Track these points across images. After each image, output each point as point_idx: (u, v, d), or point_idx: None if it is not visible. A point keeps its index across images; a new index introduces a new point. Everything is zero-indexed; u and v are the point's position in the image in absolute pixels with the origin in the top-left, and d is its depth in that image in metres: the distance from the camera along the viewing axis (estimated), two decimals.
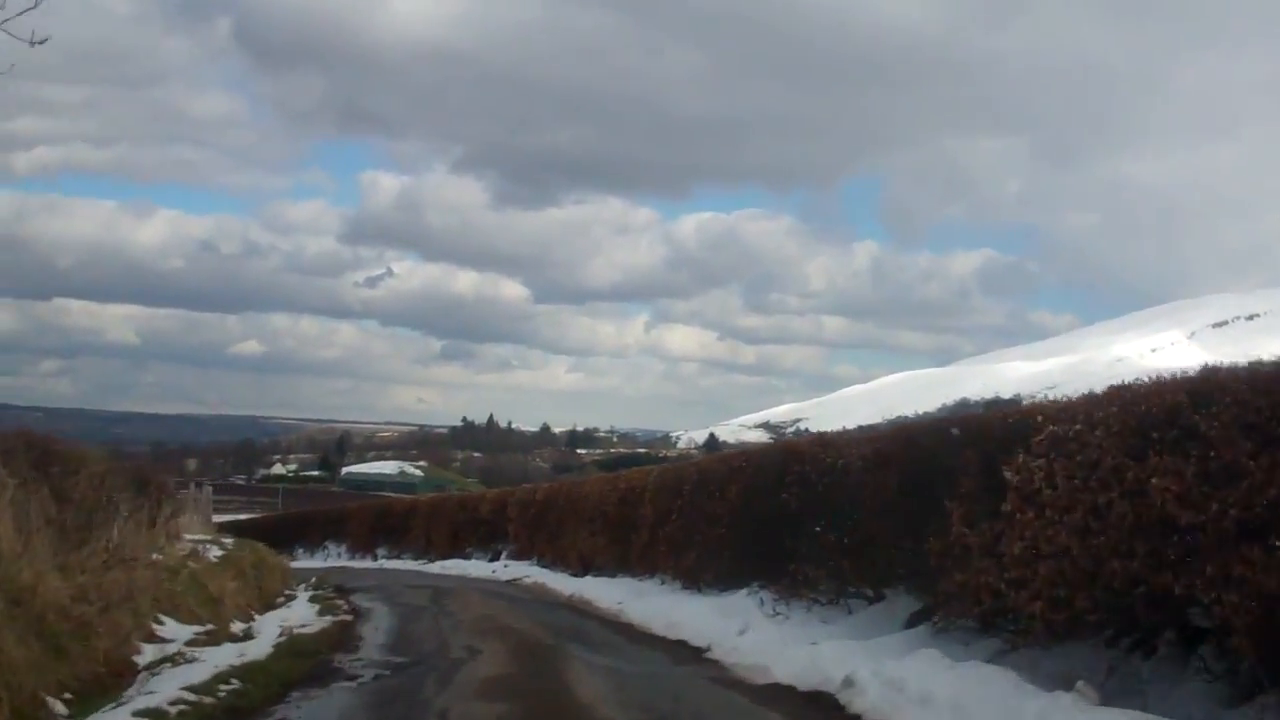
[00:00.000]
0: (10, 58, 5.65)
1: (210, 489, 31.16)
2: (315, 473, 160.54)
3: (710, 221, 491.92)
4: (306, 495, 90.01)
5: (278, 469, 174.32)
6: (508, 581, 20.80)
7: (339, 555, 34.55)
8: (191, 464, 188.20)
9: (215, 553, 15.41)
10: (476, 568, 24.37)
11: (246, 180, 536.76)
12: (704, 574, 13.59)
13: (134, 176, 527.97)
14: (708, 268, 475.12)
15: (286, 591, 16.69)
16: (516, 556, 24.19)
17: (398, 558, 30.82)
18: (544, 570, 21.03)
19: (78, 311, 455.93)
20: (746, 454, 14.26)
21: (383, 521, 32.59)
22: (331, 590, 17.37)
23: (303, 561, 35.72)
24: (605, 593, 15.91)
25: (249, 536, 45.97)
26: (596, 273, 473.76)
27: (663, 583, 15.15)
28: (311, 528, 37.75)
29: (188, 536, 15.88)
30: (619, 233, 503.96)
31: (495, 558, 25.70)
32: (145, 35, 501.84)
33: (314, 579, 19.28)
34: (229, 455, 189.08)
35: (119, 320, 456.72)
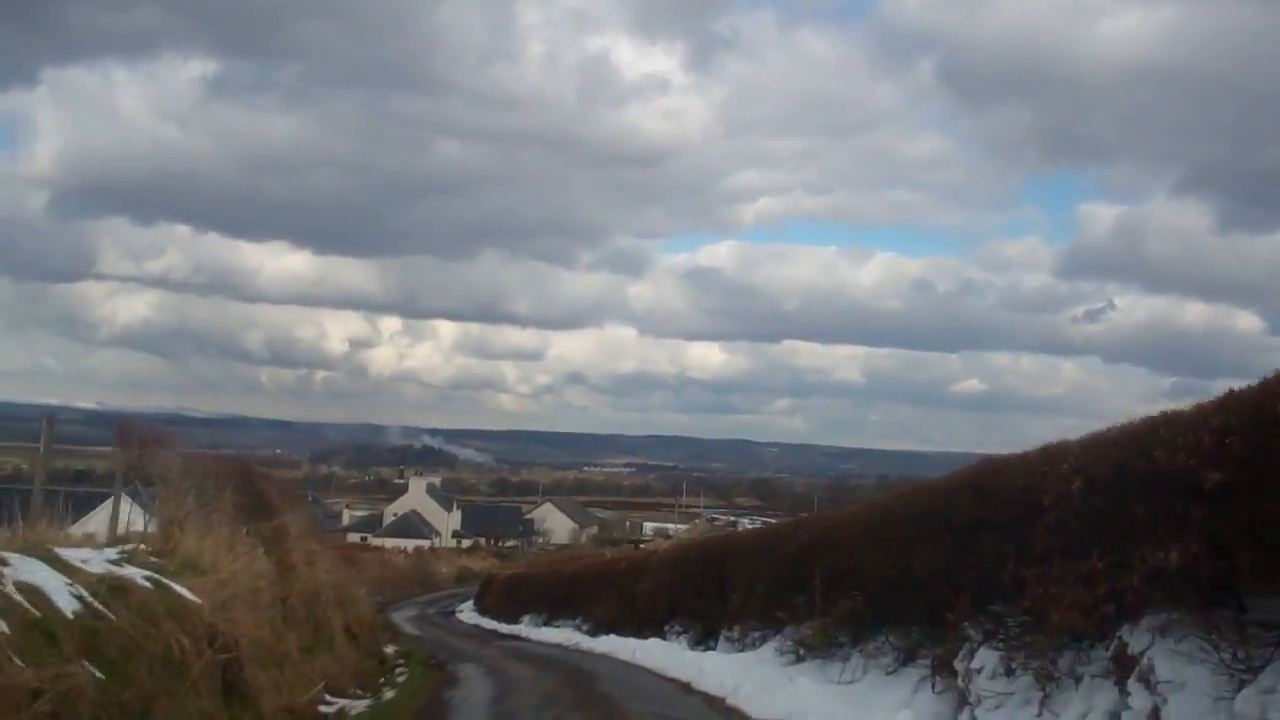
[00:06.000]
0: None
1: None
2: None
3: None
4: None
5: None
6: None
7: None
8: None
9: None
10: None
11: (958, 219, 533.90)
12: None
13: (851, 221, 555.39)
14: None
15: None
16: None
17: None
18: None
19: (805, 352, 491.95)
20: None
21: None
22: None
23: None
24: None
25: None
26: None
27: None
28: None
29: None
30: None
31: None
32: (853, 83, 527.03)
33: None
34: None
35: (843, 360, 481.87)
